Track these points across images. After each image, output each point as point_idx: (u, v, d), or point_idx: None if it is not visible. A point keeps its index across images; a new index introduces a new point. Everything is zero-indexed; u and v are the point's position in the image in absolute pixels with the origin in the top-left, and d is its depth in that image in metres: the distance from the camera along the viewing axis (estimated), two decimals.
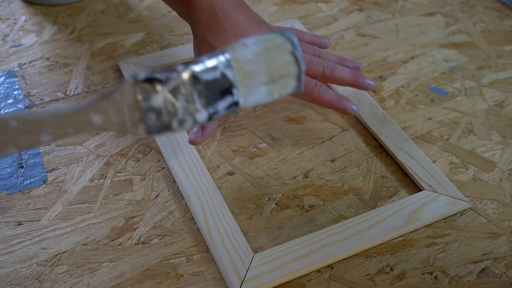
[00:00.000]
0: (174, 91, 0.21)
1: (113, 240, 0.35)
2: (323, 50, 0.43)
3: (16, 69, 0.49)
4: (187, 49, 0.49)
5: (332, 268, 0.34)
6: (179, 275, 0.33)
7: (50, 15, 0.55)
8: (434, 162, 0.41)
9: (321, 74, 0.40)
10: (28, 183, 0.39)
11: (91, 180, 0.39)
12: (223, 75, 0.23)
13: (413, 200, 0.37)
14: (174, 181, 0.39)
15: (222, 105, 0.23)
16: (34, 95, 0.46)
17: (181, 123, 0.22)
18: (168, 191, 0.38)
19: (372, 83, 0.41)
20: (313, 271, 0.33)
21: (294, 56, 0.24)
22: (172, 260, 0.34)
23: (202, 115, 0.22)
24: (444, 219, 0.37)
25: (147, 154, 0.41)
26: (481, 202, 0.38)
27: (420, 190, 0.39)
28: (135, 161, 0.41)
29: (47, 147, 0.41)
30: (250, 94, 0.23)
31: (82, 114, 0.21)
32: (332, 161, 0.41)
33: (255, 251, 0.34)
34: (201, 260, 0.34)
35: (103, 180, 0.39)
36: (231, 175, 0.40)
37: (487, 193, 0.39)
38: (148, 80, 0.21)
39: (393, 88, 0.48)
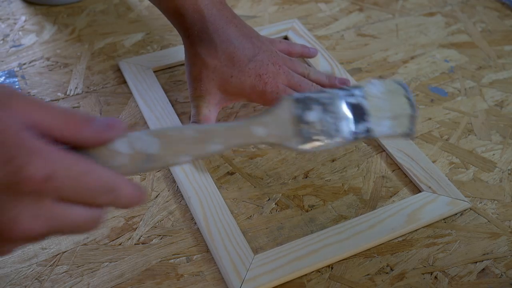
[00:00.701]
0: (325, 110, 0.25)
1: (113, 240, 0.35)
2: (312, 69, 0.45)
3: (16, 69, 0.49)
4: None
5: (332, 268, 0.34)
6: (179, 275, 0.33)
7: (50, 15, 0.55)
8: (434, 162, 0.41)
9: None
10: None
11: None
12: (361, 104, 0.27)
13: (413, 200, 0.37)
14: (174, 181, 0.39)
15: (361, 127, 0.26)
16: (34, 95, 0.46)
17: (330, 138, 0.25)
18: (168, 191, 0.38)
19: None
20: (313, 271, 0.33)
21: (408, 99, 0.28)
22: (172, 260, 0.34)
23: (347, 133, 0.25)
24: (444, 219, 0.37)
25: None
26: (481, 202, 0.38)
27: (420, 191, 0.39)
28: None
29: None
30: (379, 125, 0.27)
31: (248, 127, 0.24)
32: (332, 161, 0.41)
33: (255, 251, 0.34)
34: (201, 260, 0.34)
35: None
36: (231, 175, 0.40)
37: (487, 193, 0.39)
38: (304, 99, 0.25)
39: None
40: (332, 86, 0.45)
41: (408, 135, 0.28)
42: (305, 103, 0.25)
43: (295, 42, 0.47)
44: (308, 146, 0.25)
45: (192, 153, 0.23)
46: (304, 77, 0.43)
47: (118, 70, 0.49)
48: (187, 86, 0.41)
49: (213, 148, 0.23)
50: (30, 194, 0.20)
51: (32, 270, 0.33)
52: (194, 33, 0.39)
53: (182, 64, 0.49)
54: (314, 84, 0.43)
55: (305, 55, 0.46)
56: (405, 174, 0.40)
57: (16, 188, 0.20)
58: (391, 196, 0.38)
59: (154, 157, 0.22)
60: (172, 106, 0.44)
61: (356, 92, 0.27)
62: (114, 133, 0.22)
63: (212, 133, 0.24)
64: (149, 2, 0.57)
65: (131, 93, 0.46)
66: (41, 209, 0.21)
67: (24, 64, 0.49)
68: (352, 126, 0.26)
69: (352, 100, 0.27)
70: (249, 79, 0.39)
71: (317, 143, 0.25)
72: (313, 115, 0.25)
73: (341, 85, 0.45)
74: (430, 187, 0.38)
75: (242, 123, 0.25)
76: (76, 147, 0.22)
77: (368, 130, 0.27)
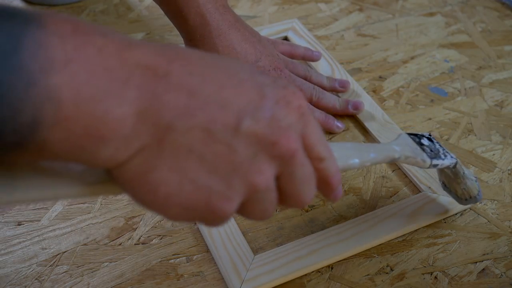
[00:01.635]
0: (430, 140, 0.33)
1: (113, 240, 0.35)
2: (314, 71, 0.45)
3: None
4: None
5: (332, 268, 0.34)
6: (179, 275, 0.33)
7: None
8: None
9: (309, 100, 0.43)
10: None
11: None
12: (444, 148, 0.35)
13: (413, 200, 0.37)
14: None
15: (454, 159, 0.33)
16: None
17: (445, 156, 0.33)
18: None
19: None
20: (313, 271, 0.33)
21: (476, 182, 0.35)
22: (172, 260, 0.34)
23: (453, 157, 0.33)
24: (444, 219, 0.37)
25: None
26: (481, 202, 0.38)
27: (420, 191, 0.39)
28: None
29: None
30: (465, 171, 0.34)
31: (389, 144, 0.31)
32: None
33: (255, 251, 0.34)
34: (201, 260, 0.34)
35: None
36: None
37: (487, 193, 0.39)
38: (413, 133, 0.33)
39: (393, 88, 0.48)
40: (333, 89, 0.45)
41: (478, 196, 0.34)
42: (415, 135, 0.33)
43: (298, 45, 0.47)
44: (435, 161, 0.31)
45: (359, 157, 0.27)
46: (306, 79, 0.43)
47: None
48: None
49: (371, 156, 0.28)
50: (296, 111, 0.22)
51: (32, 270, 0.33)
52: (196, 37, 0.39)
53: None
54: (315, 86, 0.43)
55: (307, 58, 0.46)
56: (405, 174, 0.40)
57: (286, 101, 0.21)
58: (391, 196, 0.38)
59: None
60: None
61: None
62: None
63: (366, 146, 0.30)
64: (149, 2, 0.57)
65: None
66: (297, 126, 0.21)
67: None
68: (447, 156, 0.33)
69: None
70: None
71: (437, 158, 0.32)
72: (425, 141, 0.33)
73: (341, 87, 0.45)
74: (430, 187, 0.38)
75: (382, 143, 0.34)
76: None
77: (457, 163, 0.33)
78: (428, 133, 0.34)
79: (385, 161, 0.30)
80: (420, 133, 0.34)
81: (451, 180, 0.34)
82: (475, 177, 0.34)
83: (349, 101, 0.44)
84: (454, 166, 0.33)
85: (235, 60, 0.23)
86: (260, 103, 0.21)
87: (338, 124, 0.43)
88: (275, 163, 0.21)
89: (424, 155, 0.32)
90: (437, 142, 0.34)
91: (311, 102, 0.42)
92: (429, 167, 0.31)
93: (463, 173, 0.33)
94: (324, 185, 0.24)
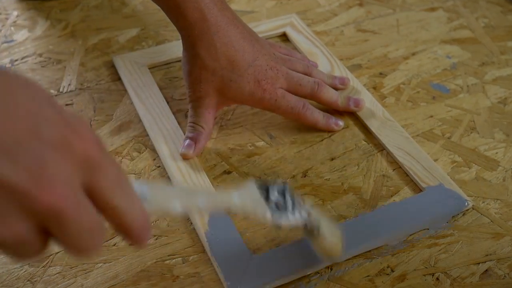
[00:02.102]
0: (282, 193, 0.30)
1: (107, 241, 0.34)
2: (314, 68, 0.44)
3: (8, 65, 0.48)
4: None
5: (331, 269, 0.33)
6: (174, 276, 0.33)
7: (43, 10, 0.54)
8: (435, 160, 0.40)
9: (309, 95, 0.42)
10: None
11: None
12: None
13: (414, 200, 0.37)
14: (169, 180, 0.38)
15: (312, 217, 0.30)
16: None
17: (294, 215, 0.29)
18: None
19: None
20: (312, 272, 0.33)
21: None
22: (167, 261, 0.33)
23: (303, 216, 0.30)
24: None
25: (142, 153, 0.40)
26: (484, 202, 0.37)
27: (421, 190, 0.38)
28: (129, 159, 0.40)
29: None
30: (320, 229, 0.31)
31: (225, 194, 0.29)
32: (332, 159, 0.40)
33: (253, 251, 0.34)
34: (197, 261, 0.33)
35: None
36: (228, 174, 0.39)
37: (490, 193, 0.38)
38: (265, 181, 0.30)
39: (393, 85, 0.47)
40: (333, 86, 0.44)
41: (339, 258, 0.32)
42: (265, 185, 0.30)
43: (295, 51, 0.47)
44: (278, 220, 0.29)
45: (182, 202, 0.26)
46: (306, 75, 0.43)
47: (112, 66, 0.48)
48: (186, 87, 0.41)
49: (199, 201, 0.27)
50: (77, 157, 0.19)
51: (25, 271, 0.32)
52: (194, 33, 0.38)
53: (178, 61, 0.48)
54: (316, 80, 0.42)
55: None
56: (406, 173, 0.39)
57: (66, 144, 0.19)
58: (391, 196, 0.38)
59: (147, 201, 0.24)
60: (168, 103, 0.44)
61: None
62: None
63: (198, 191, 0.28)
64: None
65: (125, 90, 0.45)
66: (74, 175, 0.19)
67: (16, 60, 0.48)
68: (301, 211, 0.30)
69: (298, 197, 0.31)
70: (248, 85, 0.39)
71: (284, 217, 0.29)
72: (274, 195, 0.29)
73: (341, 84, 0.45)
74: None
75: (222, 191, 0.31)
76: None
77: (307, 223, 0.30)
78: (283, 183, 0.30)
79: (219, 210, 0.28)
80: (272, 184, 0.30)
81: (308, 235, 0.31)
82: (340, 236, 0.31)
83: (350, 98, 0.43)
84: (306, 225, 0.30)
85: (26, 82, 0.19)
86: (27, 142, 0.18)
87: (338, 122, 0.42)
88: (34, 218, 0.18)
89: (267, 211, 0.28)
90: (291, 196, 0.30)
91: (312, 96, 0.42)
92: (271, 226, 0.29)
93: (319, 232, 0.30)
94: (122, 233, 0.22)
